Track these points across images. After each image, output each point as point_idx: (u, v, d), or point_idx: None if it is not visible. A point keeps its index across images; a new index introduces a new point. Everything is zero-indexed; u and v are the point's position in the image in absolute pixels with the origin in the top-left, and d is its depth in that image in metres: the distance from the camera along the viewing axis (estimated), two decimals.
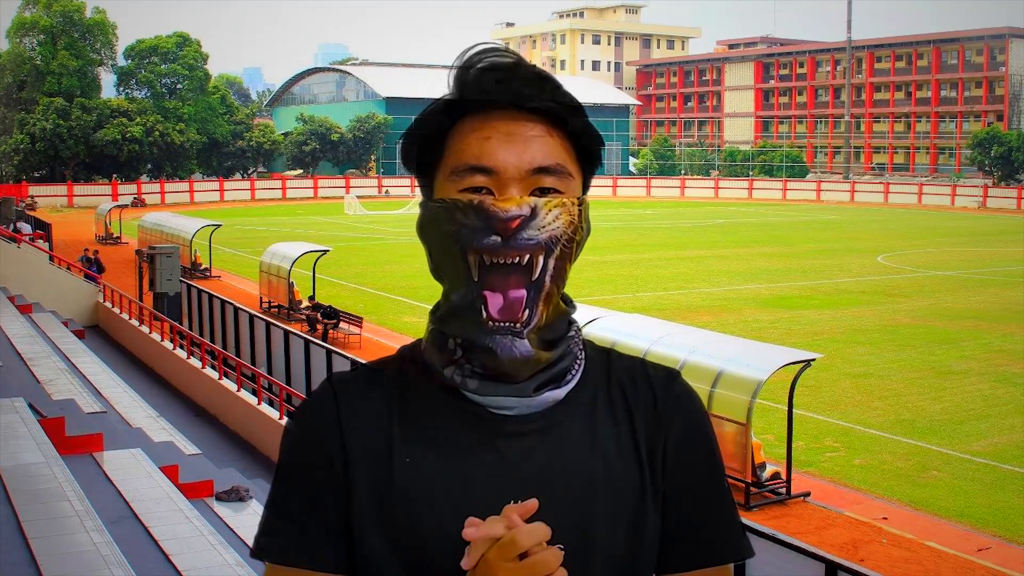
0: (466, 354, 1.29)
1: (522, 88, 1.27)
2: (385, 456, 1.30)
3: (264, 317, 19.32)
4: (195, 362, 17.69)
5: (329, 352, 15.43)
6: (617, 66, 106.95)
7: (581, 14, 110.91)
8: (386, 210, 55.49)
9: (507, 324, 1.26)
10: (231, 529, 9.46)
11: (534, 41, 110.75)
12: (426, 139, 1.32)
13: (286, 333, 17.28)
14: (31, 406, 10.82)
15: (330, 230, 44.69)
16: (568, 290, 1.34)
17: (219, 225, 32.86)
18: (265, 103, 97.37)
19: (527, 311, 1.26)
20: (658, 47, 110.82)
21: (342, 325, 20.96)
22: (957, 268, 32.58)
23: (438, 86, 1.34)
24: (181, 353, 18.49)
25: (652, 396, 1.37)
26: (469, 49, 1.31)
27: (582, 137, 1.32)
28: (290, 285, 23.69)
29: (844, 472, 12.93)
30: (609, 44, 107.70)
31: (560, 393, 1.32)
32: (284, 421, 13.53)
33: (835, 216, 56.03)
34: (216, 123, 72.25)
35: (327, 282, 26.58)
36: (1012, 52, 78.59)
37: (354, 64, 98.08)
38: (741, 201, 70.29)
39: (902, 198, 67.46)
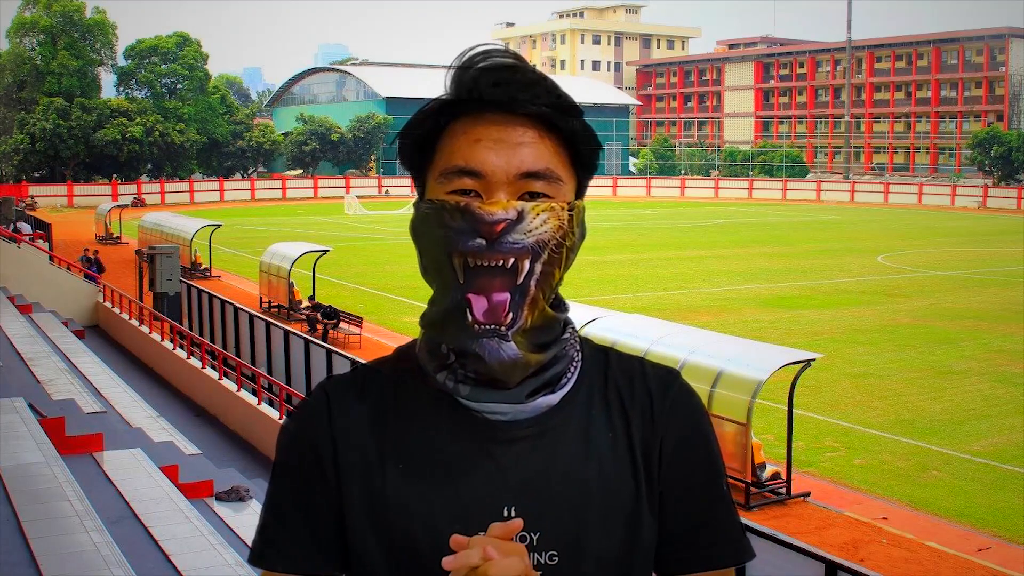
0: (459, 359, 1.28)
1: (517, 92, 1.26)
2: (378, 463, 1.30)
3: (264, 317, 19.32)
4: (195, 362, 17.69)
5: (329, 352, 15.42)
6: (617, 66, 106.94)
7: (581, 14, 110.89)
8: (386, 210, 55.46)
9: (492, 327, 1.25)
10: (231, 529, 9.46)
11: (534, 41, 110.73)
12: (419, 140, 1.31)
13: (286, 333, 17.28)
14: (31, 406, 10.83)
15: (330, 230, 44.69)
16: (568, 290, 1.33)
17: (219, 225, 32.85)
18: (265, 103, 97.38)
19: (511, 314, 1.25)
20: (658, 47, 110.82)
21: (342, 325, 20.96)
22: (957, 268, 32.57)
23: (438, 86, 1.32)
24: (181, 353, 18.50)
25: (649, 397, 1.36)
26: (469, 49, 1.30)
27: (576, 141, 1.30)
28: (290, 285, 23.68)
29: (844, 472, 12.93)
30: (609, 44, 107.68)
31: (554, 398, 1.31)
32: (284, 421, 13.53)
33: (835, 216, 56.02)
34: (216, 123, 72.24)
35: (327, 282, 26.57)
36: (1012, 52, 78.58)
37: (354, 64, 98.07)
38: (741, 201, 70.27)
39: (902, 198, 67.44)
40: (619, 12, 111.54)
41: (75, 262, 26.99)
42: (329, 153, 74.91)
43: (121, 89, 72.69)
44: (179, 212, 43.52)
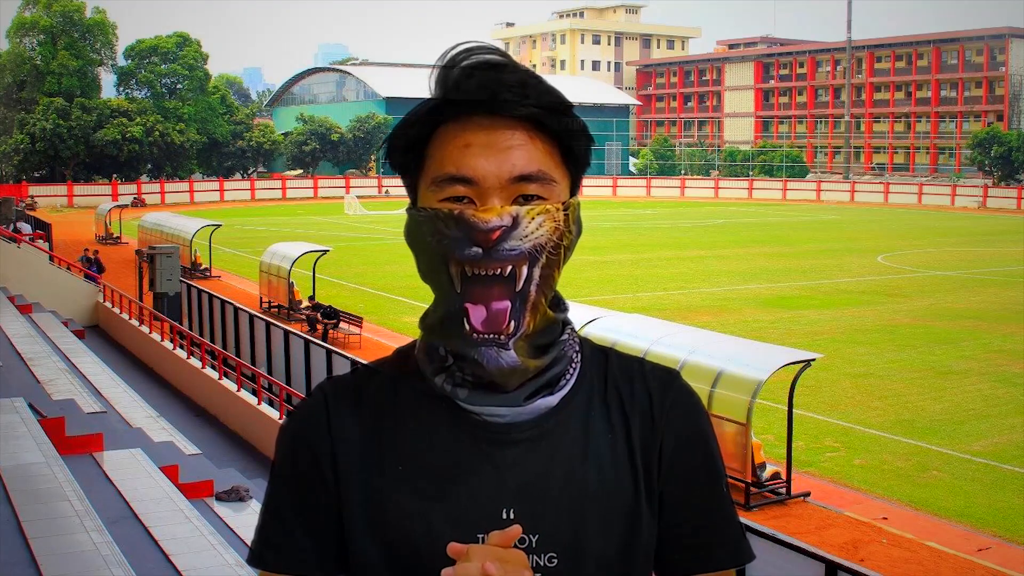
0: (457, 362, 1.28)
1: (504, 94, 1.23)
2: (377, 464, 1.29)
3: (264, 317, 19.31)
4: (195, 362, 17.69)
5: (329, 352, 15.42)
6: (617, 66, 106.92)
7: (581, 14, 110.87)
8: (386, 210, 55.44)
9: (492, 336, 1.24)
10: (231, 529, 9.45)
11: (534, 41, 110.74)
12: (407, 146, 1.29)
13: (286, 333, 17.28)
14: (31, 406, 10.83)
15: (330, 230, 44.69)
16: (568, 290, 1.32)
17: (219, 225, 32.86)
18: (265, 103, 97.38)
19: (512, 322, 1.24)
20: (658, 47, 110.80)
21: (342, 325, 20.96)
22: (957, 268, 32.57)
23: None
24: (181, 353, 18.49)
25: (649, 398, 1.35)
26: (452, 48, 1.28)
27: (567, 138, 1.28)
28: (290, 285, 23.69)
29: (844, 472, 12.93)
30: (609, 44, 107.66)
31: (553, 400, 1.31)
32: (282, 422, 13.52)
33: (835, 216, 56.02)
34: (216, 123, 72.26)
35: (327, 282, 26.57)
36: (1012, 52, 78.56)
37: (354, 64, 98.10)
38: (741, 201, 70.27)
39: (902, 198, 67.44)
40: (619, 12, 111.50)
41: (75, 262, 26.99)
42: (329, 153, 74.93)
43: (121, 89, 72.72)
44: (179, 212, 43.50)
